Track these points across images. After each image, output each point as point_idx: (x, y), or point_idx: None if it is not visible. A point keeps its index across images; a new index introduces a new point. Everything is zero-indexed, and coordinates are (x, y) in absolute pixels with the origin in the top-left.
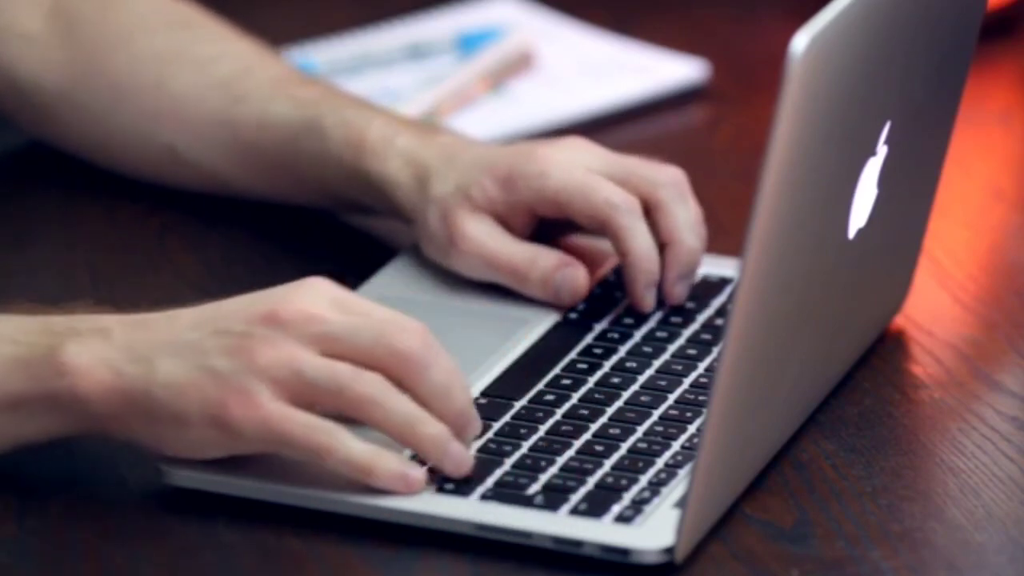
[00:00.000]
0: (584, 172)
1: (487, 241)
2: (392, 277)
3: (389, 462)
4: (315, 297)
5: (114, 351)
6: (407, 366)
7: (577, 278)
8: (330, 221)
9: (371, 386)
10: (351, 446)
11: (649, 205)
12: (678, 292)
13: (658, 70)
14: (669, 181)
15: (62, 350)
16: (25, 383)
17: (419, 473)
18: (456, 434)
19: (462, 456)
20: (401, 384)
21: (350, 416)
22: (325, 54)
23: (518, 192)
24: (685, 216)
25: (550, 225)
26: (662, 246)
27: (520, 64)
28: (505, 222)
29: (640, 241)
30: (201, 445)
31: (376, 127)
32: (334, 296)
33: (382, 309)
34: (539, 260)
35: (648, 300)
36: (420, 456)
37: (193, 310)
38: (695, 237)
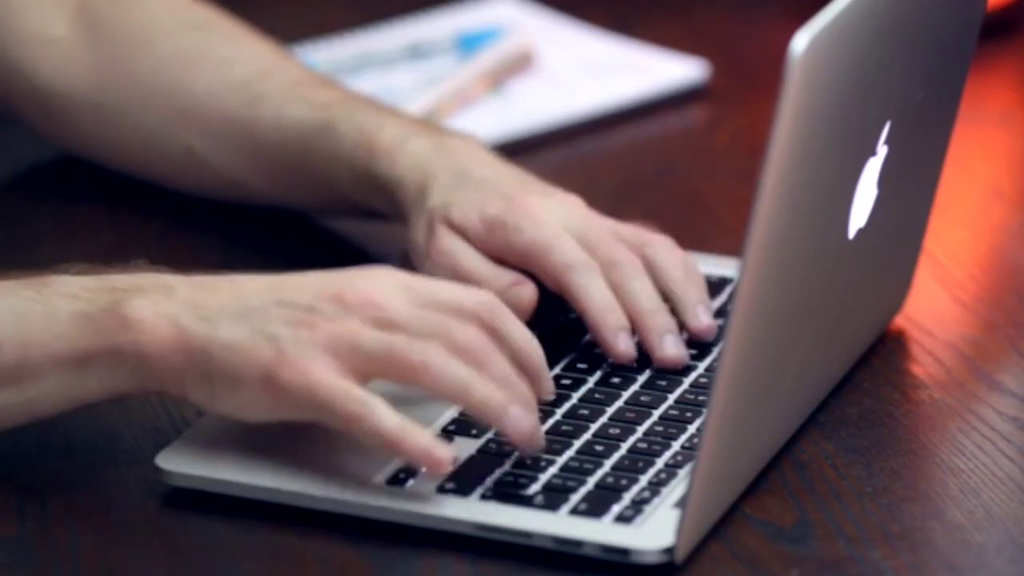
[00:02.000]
0: (554, 231)
1: (457, 255)
2: None
3: (418, 436)
4: (382, 284)
5: (178, 307)
6: (466, 355)
7: (522, 294)
8: (329, 224)
9: (424, 352)
10: (383, 417)
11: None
12: (661, 355)
13: (658, 70)
14: (622, 260)
15: (126, 305)
16: (89, 338)
17: (446, 452)
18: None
19: (522, 420)
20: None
21: (406, 383)
22: (325, 54)
23: (495, 240)
24: (637, 285)
25: None
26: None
27: (520, 64)
28: (480, 250)
29: (594, 297)
30: (250, 406)
31: (388, 130)
32: (401, 283)
33: (449, 293)
34: (497, 278)
35: (620, 347)
36: (481, 419)
37: (257, 278)
38: (653, 300)
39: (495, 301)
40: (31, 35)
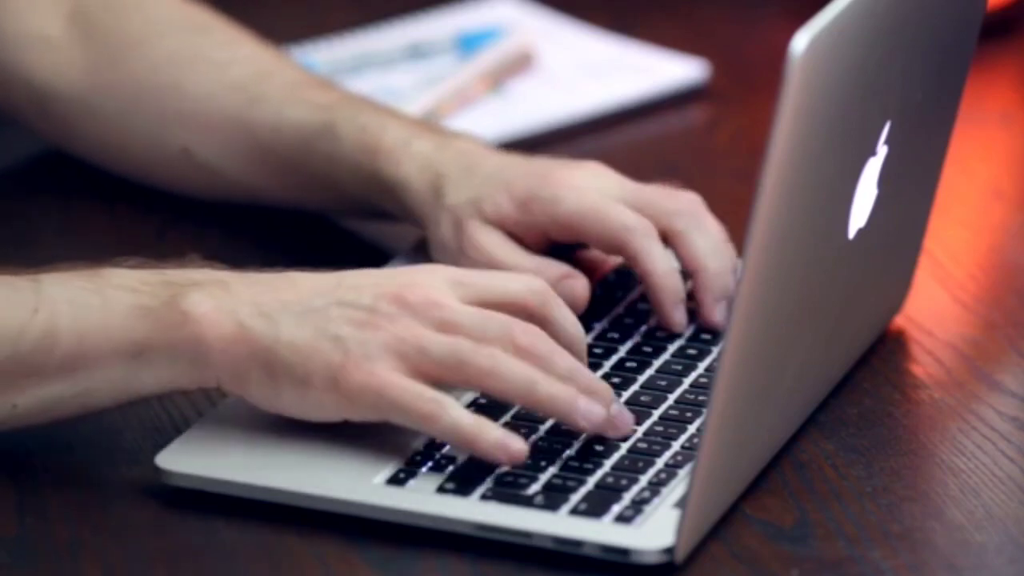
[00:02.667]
0: (598, 196)
1: (495, 251)
2: None
3: (492, 431)
4: (440, 283)
5: (238, 303)
6: (528, 355)
7: (575, 288)
8: (330, 221)
9: (490, 357)
10: (457, 414)
11: (666, 236)
12: (718, 316)
13: (658, 70)
14: (685, 209)
15: (185, 298)
16: (147, 330)
17: (519, 444)
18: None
19: (592, 410)
20: None
21: (473, 389)
22: (325, 54)
23: (533, 215)
24: (704, 242)
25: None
26: (688, 275)
27: (520, 64)
28: (517, 239)
29: (659, 262)
30: (316, 407)
31: (391, 131)
32: (454, 278)
33: (503, 289)
34: (544, 271)
35: (677, 318)
36: (552, 416)
37: (315, 276)
38: (719, 260)
39: (545, 288)
40: (27, 36)
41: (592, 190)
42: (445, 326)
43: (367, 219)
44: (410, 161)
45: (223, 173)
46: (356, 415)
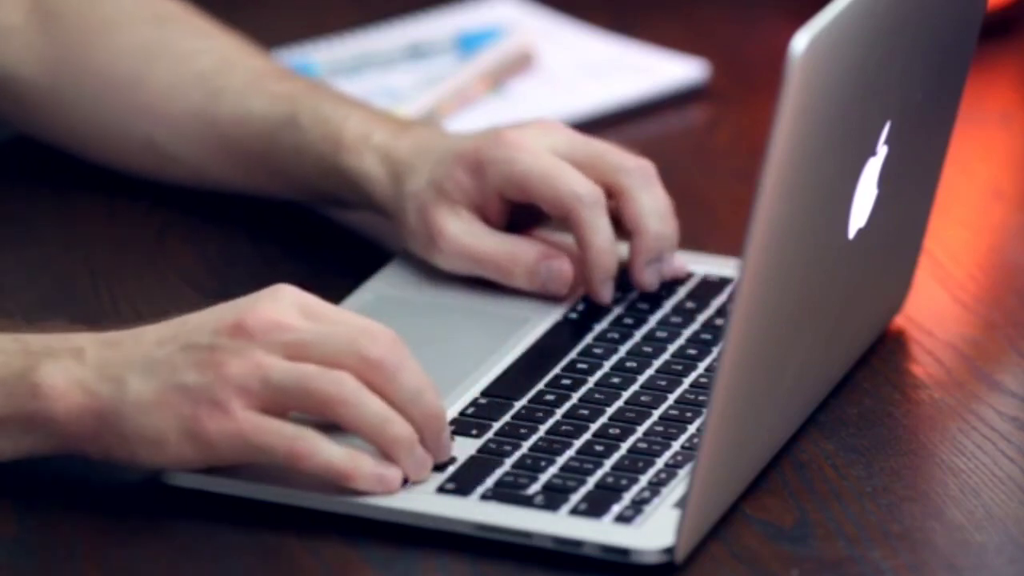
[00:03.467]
0: (551, 158)
1: (466, 238)
2: (391, 277)
3: (366, 464)
4: (282, 305)
5: (87, 371)
6: (378, 372)
7: (563, 269)
8: (330, 221)
9: (340, 385)
10: (329, 450)
11: (613, 191)
12: (647, 279)
13: (658, 70)
14: (635, 168)
15: (37, 371)
16: (1, 404)
17: (395, 473)
18: (431, 437)
19: (425, 461)
20: (371, 389)
21: (320, 417)
22: (325, 54)
23: (487, 177)
24: (650, 203)
25: (527, 214)
26: (628, 233)
27: (520, 64)
28: (480, 210)
29: (600, 236)
30: (177, 460)
31: (352, 123)
32: (302, 303)
33: (351, 315)
34: (520, 254)
35: (604, 293)
36: (387, 456)
37: (159, 326)
38: (660, 223)
39: (394, 340)
40: None
41: (545, 149)
42: (290, 348)
43: (332, 208)
44: (371, 153)
45: (188, 164)
46: (220, 462)
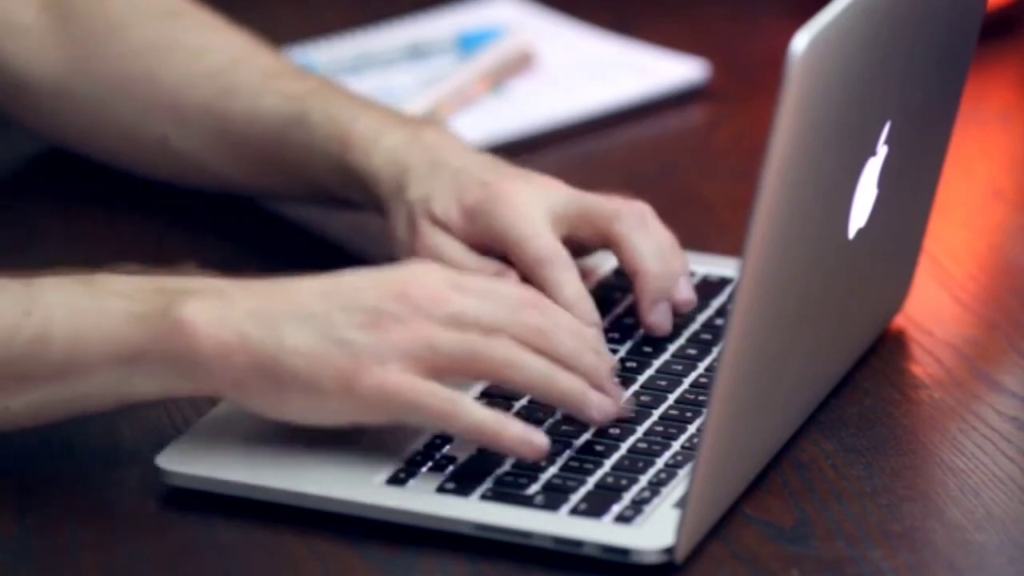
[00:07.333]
0: (530, 220)
1: (443, 250)
2: None
3: (515, 426)
4: (437, 279)
5: (236, 313)
6: (537, 335)
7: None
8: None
9: (504, 350)
10: (478, 411)
11: (609, 241)
12: (655, 320)
13: (658, 70)
14: (627, 213)
15: (181, 307)
16: (143, 338)
17: (542, 437)
18: (597, 386)
19: (604, 402)
20: (534, 350)
21: (489, 381)
22: (325, 54)
23: (476, 226)
24: (645, 245)
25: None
26: (630, 279)
27: (520, 64)
28: (465, 242)
29: (567, 294)
30: (328, 413)
31: (363, 123)
32: (451, 278)
33: (497, 284)
34: (482, 271)
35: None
36: (564, 409)
37: (313, 281)
38: (659, 263)
39: (537, 297)
40: (1, 24)
41: (528, 211)
42: (452, 320)
43: (341, 210)
44: (380, 153)
45: (199, 162)
46: (369, 419)
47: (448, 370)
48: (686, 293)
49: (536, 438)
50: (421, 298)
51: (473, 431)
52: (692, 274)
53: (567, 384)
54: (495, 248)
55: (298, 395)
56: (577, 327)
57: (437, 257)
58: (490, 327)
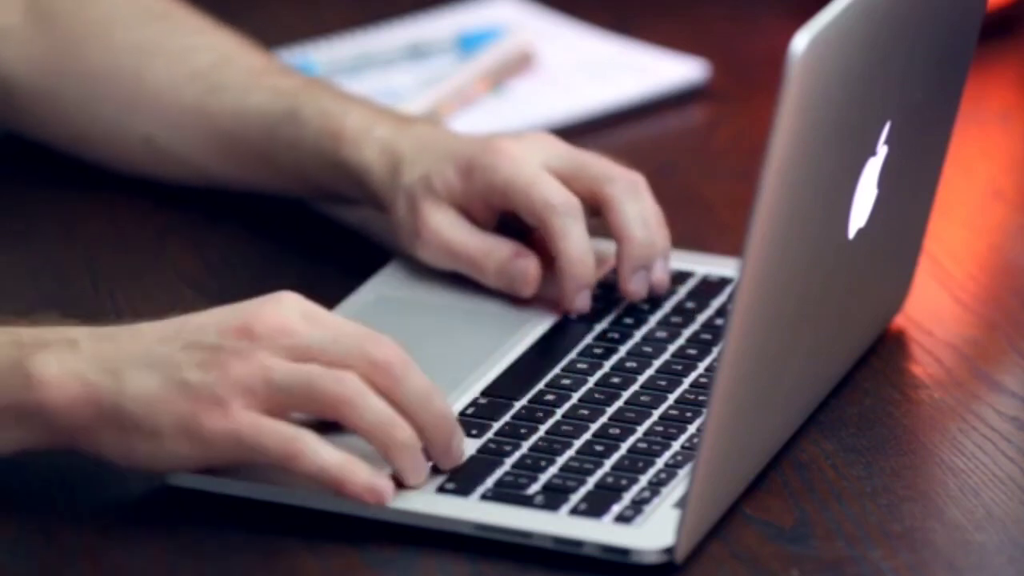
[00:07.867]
0: (533, 168)
1: (447, 231)
2: (392, 277)
3: (360, 472)
4: (287, 311)
5: (83, 362)
6: (384, 374)
7: (528, 268)
8: (330, 222)
9: (344, 385)
10: (325, 453)
11: (600, 201)
12: (633, 287)
13: (658, 70)
14: (621, 177)
15: (30, 361)
16: None
17: (387, 484)
18: (441, 440)
19: (423, 469)
20: (377, 392)
21: (324, 418)
22: (325, 54)
23: (473, 182)
24: (634, 211)
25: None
26: (616, 242)
27: (520, 64)
28: (466, 211)
29: (572, 244)
30: (172, 457)
31: (354, 117)
32: (305, 310)
33: (353, 324)
34: (495, 251)
35: (577, 303)
36: (388, 459)
37: (160, 323)
38: (645, 230)
39: (398, 347)
40: None
41: (530, 160)
42: (295, 352)
43: (330, 203)
44: (372, 145)
45: (187, 161)
46: (219, 461)
47: (287, 405)
48: (660, 273)
49: (380, 485)
50: (267, 329)
51: (316, 475)
52: (691, 274)
53: (399, 436)
54: (495, 203)
55: (143, 442)
56: (425, 379)
57: (442, 240)
58: (337, 361)
